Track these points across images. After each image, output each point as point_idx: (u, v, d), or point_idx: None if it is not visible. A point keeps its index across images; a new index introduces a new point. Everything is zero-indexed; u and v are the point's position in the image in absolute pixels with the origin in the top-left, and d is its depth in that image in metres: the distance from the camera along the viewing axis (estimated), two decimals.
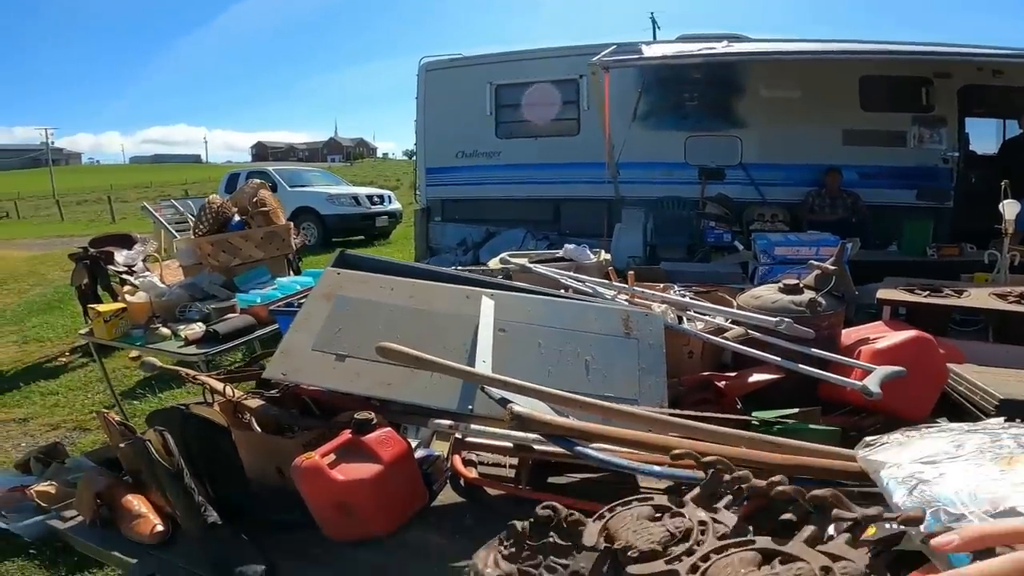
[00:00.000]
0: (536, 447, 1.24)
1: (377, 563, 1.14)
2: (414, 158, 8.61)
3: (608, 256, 3.08)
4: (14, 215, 25.84)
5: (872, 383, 1.33)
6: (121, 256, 4.89)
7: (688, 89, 6.11)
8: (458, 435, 1.35)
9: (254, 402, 1.50)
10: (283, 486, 1.27)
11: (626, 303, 1.89)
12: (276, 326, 2.58)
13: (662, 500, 0.76)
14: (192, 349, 2.69)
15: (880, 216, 5.29)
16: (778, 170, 5.86)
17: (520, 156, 6.74)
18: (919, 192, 5.55)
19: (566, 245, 3.01)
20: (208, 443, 1.31)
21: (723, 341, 1.68)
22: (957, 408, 1.51)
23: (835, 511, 0.66)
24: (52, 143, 51.34)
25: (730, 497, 0.74)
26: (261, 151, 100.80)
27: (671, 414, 1.19)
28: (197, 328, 2.78)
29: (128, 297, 3.09)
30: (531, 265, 2.56)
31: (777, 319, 1.59)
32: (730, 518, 0.70)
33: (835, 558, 0.59)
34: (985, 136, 5.99)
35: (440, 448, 1.45)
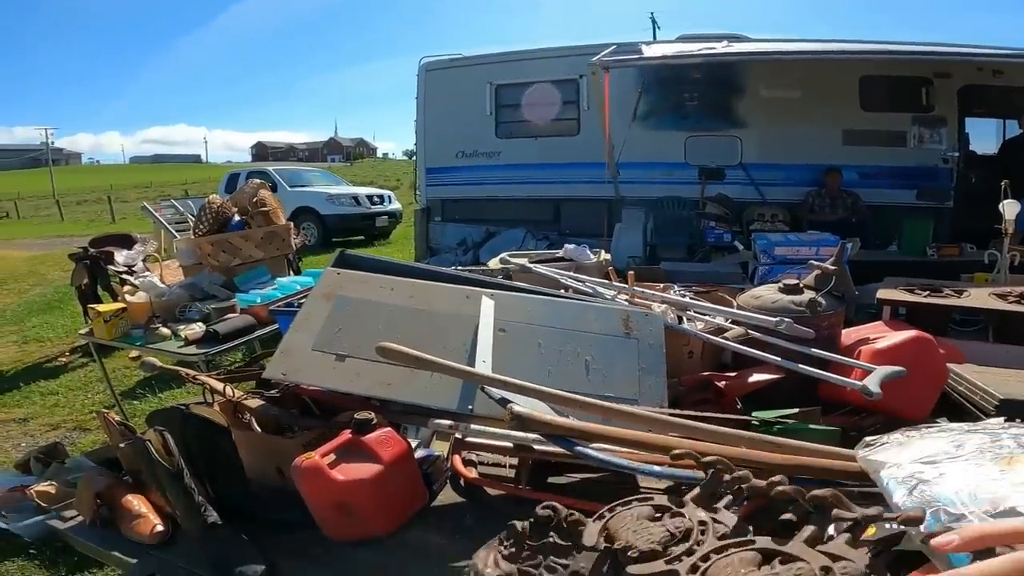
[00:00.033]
0: (536, 447, 1.24)
1: (377, 563, 1.14)
2: (414, 158, 8.61)
3: (608, 256, 3.08)
4: (14, 215, 25.85)
5: (872, 383, 1.33)
6: (121, 256, 4.89)
7: (688, 89, 6.11)
8: (458, 435, 1.35)
9: (254, 402, 1.50)
10: (283, 486, 1.27)
11: (626, 303, 1.89)
12: (276, 326, 2.58)
13: (662, 500, 0.75)
14: (192, 349, 2.69)
15: (880, 216, 5.28)
16: (778, 170, 5.85)
17: (520, 156, 6.73)
18: (919, 192, 5.55)
19: (566, 245, 3.01)
20: (208, 443, 1.31)
21: (723, 341, 1.68)
22: (957, 408, 1.51)
23: (835, 511, 0.66)
24: (52, 143, 51.43)
25: (730, 497, 0.74)
26: (261, 151, 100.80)
27: (671, 414, 1.19)
28: (197, 328, 2.79)
29: (128, 297, 3.10)
30: (531, 265, 2.55)
31: (777, 319, 1.59)
32: (730, 518, 0.70)
33: (835, 558, 0.59)
34: (985, 136, 5.99)
35: (440, 448, 1.45)
